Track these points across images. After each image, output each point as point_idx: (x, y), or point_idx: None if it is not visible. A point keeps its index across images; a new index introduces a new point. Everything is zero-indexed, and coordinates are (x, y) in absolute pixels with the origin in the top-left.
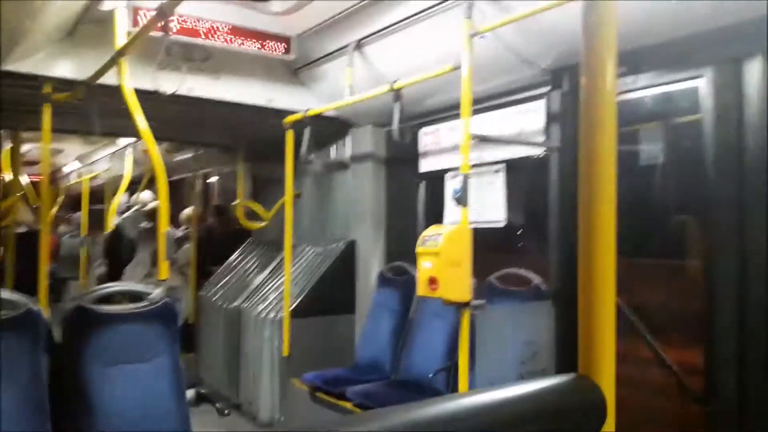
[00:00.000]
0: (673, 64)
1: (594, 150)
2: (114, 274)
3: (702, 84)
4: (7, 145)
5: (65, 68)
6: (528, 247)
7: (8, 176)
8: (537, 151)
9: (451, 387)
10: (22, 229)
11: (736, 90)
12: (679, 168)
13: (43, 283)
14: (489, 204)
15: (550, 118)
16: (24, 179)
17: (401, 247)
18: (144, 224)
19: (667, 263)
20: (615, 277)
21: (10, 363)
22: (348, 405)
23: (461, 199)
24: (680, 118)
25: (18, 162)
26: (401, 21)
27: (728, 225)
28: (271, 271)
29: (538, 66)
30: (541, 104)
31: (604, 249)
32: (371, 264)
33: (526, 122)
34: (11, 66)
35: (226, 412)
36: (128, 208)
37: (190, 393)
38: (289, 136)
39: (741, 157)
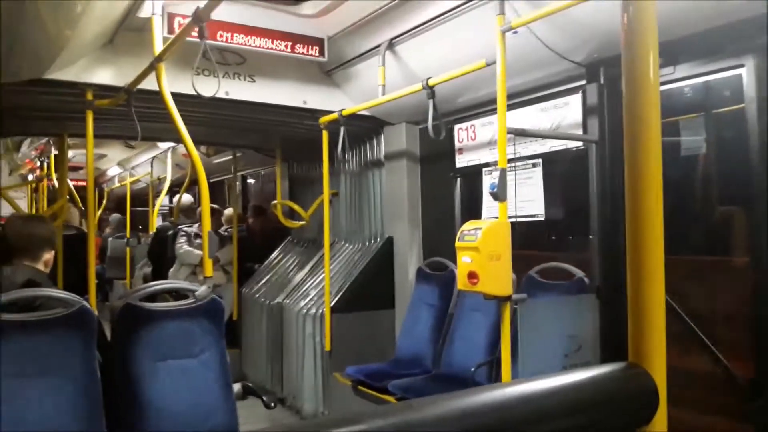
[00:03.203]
0: (712, 54)
1: (639, 142)
2: (158, 274)
3: (744, 73)
4: (54, 151)
5: (106, 75)
6: (568, 242)
7: (56, 181)
8: (575, 145)
9: (494, 381)
10: (69, 232)
11: None
12: (722, 159)
13: (92, 283)
14: (527, 198)
15: (587, 111)
16: (69, 183)
17: (438, 243)
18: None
19: (712, 257)
20: (663, 265)
21: (66, 359)
22: (391, 399)
23: (498, 194)
24: (722, 108)
25: (65, 167)
26: (433, 19)
27: None
28: (310, 268)
29: (573, 60)
30: (577, 98)
31: (652, 239)
32: (409, 260)
33: (563, 116)
34: (54, 74)
35: (272, 405)
36: (170, 210)
37: (236, 386)
38: (325, 136)
39: None
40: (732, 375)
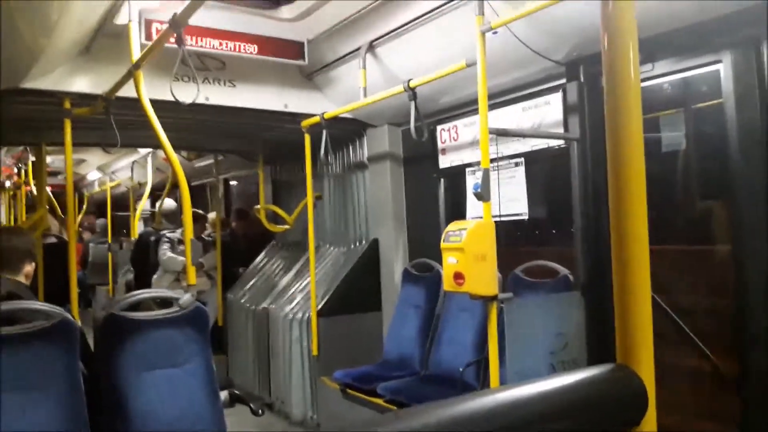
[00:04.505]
0: (690, 50)
1: (621, 139)
2: (141, 281)
3: (721, 68)
4: (32, 158)
5: (83, 83)
6: (552, 239)
7: (34, 188)
8: (556, 143)
9: (482, 380)
10: (50, 240)
11: (756, 72)
12: (702, 153)
13: (74, 292)
14: (510, 197)
15: (568, 109)
16: (47, 190)
17: (423, 244)
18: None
19: (694, 249)
20: (649, 264)
21: (48, 373)
22: (379, 401)
23: (482, 194)
24: (701, 104)
25: (43, 176)
26: (413, 21)
27: (755, 208)
28: (296, 273)
29: (552, 59)
30: (557, 96)
31: (636, 236)
32: (394, 261)
33: (544, 115)
34: (31, 83)
35: (260, 412)
36: (152, 215)
37: (223, 394)
38: (307, 140)
39: (765, 139)
40: (717, 367)
